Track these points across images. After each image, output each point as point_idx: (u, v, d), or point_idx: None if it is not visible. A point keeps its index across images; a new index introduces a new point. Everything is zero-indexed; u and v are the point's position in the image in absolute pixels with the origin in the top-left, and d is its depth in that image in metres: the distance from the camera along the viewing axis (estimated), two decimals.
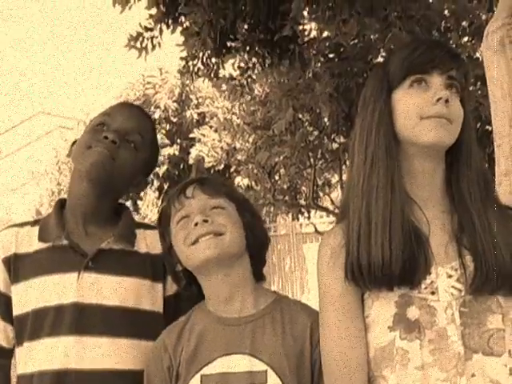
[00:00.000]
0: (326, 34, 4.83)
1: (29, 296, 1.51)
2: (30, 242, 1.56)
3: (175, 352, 1.38)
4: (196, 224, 1.37)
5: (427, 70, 1.27)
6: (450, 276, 1.23)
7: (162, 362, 1.39)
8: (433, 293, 1.22)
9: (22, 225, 1.62)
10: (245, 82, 4.97)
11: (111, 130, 1.55)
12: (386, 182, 1.26)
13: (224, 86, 5.10)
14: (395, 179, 1.27)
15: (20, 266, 1.54)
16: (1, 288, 1.55)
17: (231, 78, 5.07)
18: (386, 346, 1.23)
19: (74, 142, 1.63)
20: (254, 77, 4.98)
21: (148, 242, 1.58)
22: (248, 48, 4.40)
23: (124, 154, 1.55)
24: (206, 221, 1.37)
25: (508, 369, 1.19)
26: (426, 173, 1.29)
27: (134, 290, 1.52)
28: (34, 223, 1.61)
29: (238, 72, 4.96)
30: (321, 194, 8.71)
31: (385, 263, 1.20)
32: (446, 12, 4.51)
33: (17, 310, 1.52)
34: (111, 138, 1.53)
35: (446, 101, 1.24)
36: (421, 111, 1.25)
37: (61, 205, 1.61)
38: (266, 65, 4.54)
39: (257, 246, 1.45)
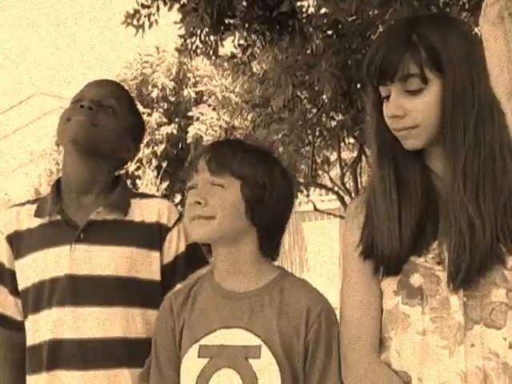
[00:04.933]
0: (323, 10, 4.81)
1: (28, 271, 1.56)
2: (30, 219, 1.61)
3: (179, 314, 1.41)
4: (193, 202, 1.37)
5: (380, 83, 1.26)
6: None
7: (167, 323, 1.42)
8: (439, 263, 1.24)
9: (23, 204, 1.68)
10: (246, 60, 4.94)
11: (86, 100, 1.59)
12: (390, 178, 1.30)
13: (225, 64, 5.07)
14: (403, 170, 1.30)
15: (21, 243, 1.59)
16: (7, 264, 1.60)
17: (232, 55, 5.04)
18: (391, 309, 1.28)
19: None
20: (255, 54, 4.96)
21: (143, 211, 1.60)
22: (247, 25, 4.38)
23: (103, 118, 1.59)
24: (199, 202, 1.36)
25: (508, 342, 1.21)
26: (434, 151, 1.31)
27: (127, 259, 1.54)
28: (34, 201, 1.67)
29: (238, 49, 4.93)
30: (320, 172, 8.71)
31: (394, 249, 1.25)
32: None
33: (21, 285, 1.58)
34: (87, 105, 1.57)
35: (395, 116, 1.24)
36: (388, 125, 1.28)
37: (59, 183, 1.65)
38: (267, 42, 4.51)
39: (265, 222, 1.40)
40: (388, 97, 1.26)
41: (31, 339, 1.55)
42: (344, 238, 1.37)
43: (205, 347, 1.36)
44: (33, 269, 1.55)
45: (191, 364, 1.36)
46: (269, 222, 1.41)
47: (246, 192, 1.39)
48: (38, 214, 1.59)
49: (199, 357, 1.35)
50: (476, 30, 4.63)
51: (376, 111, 1.31)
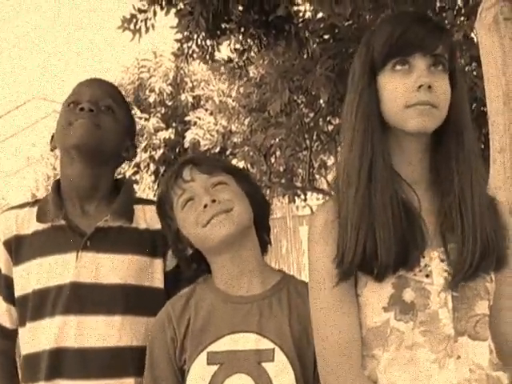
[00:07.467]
0: (320, 15, 4.81)
1: (30, 277, 1.52)
2: (30, 223, 1.57)
3: (180, 324, 1.39)
4: (205, 206, 1.37)
5: (409, 53, 1.23)
6: (442, 260, 1.24)
7: (165, 333, 1.40)
8: (427, 276, 1.23)
9: (21, 206, 1.63)
10: (242, 64, 4.94)
11: (85, 102, 1.55)
12: (364, 164, 1.25)
13: (222, 69, 5.07)
14: (377, 161, 1.25)
15: (21, 248, 1.55)
16: (2, 270, 1.57)
17: (229, 60, 5.04)
18: (379, 327, 1.23)
19: (53, 137, 1.63)
20: (252, 59, 4.96)
21: (147, 218, 1.58)
22: (243, 29, 4.38)
23: (105, 119, 1.56)
24: (214, 200, 1.37)
25: (491, 353, 1.22)
26: (414, 151, 1.29)
27: (132, 268, 1.52)
28: (33, 204, 1.62)
29: (235, 54, 4.93)
30: (317, 176, 8.69)
31: (379, 254, 1.20)
32: None
33: (18, 291, 1.55)
34: (87, 107, 1.54)
35: (429, 86, 1.21)
36: (404, 99, 1.23)
37: (58, 185, 1.61)
38: (263, 46, 4.51)
39: (261, 212, 1.46)
40: (402, 70, 1.24)
41: (28, 347, 1.52)
42: (317, 252, 1.27)
43: (213, 354, 1.35)
44: (35, 275, 1.51)
45: (200, 372, 1.35)
46: (264, 212, 1.47)
47: (241, 184, 1.43)
48: (39, 219, 1.56)
49: (208, 364, 1.34)
50: (473, 34, 4.64)
51: (370, 98, 1.27)
